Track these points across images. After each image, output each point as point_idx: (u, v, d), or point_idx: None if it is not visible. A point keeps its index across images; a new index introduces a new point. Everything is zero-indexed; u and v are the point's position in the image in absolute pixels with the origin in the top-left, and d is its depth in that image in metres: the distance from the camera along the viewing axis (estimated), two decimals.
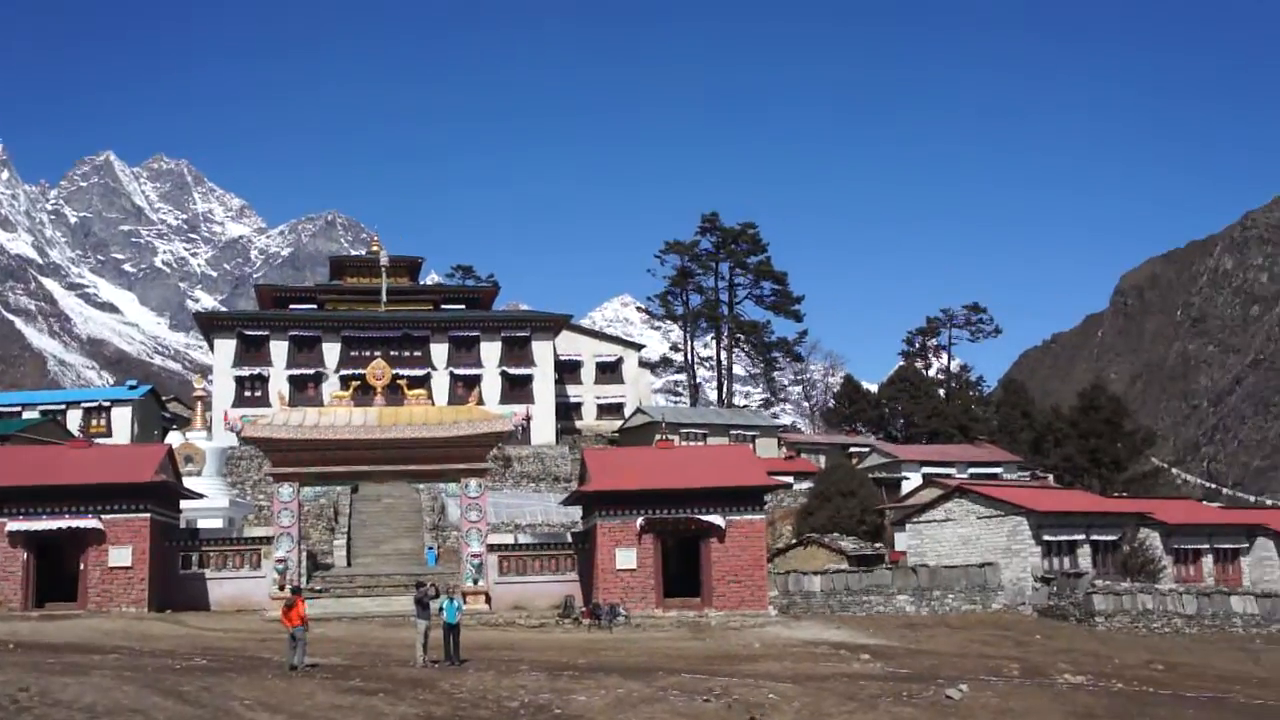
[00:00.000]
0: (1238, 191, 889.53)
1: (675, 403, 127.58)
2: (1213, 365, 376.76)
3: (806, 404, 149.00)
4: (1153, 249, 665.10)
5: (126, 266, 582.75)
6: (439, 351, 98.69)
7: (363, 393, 55.63)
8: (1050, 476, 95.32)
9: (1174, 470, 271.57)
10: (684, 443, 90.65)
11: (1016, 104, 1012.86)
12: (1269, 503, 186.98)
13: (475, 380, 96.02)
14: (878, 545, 69.65)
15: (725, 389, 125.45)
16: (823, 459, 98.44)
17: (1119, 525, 60.64)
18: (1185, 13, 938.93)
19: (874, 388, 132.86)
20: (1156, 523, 61.86)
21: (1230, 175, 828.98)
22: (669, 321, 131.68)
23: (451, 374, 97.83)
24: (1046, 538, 57.72)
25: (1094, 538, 59.31)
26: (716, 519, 49.80)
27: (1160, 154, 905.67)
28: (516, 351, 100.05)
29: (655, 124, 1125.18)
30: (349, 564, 66.59)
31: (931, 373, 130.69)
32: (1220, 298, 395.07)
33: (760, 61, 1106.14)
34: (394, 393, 55.42)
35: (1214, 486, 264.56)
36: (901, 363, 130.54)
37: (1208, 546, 63.81)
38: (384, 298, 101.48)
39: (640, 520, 49.51)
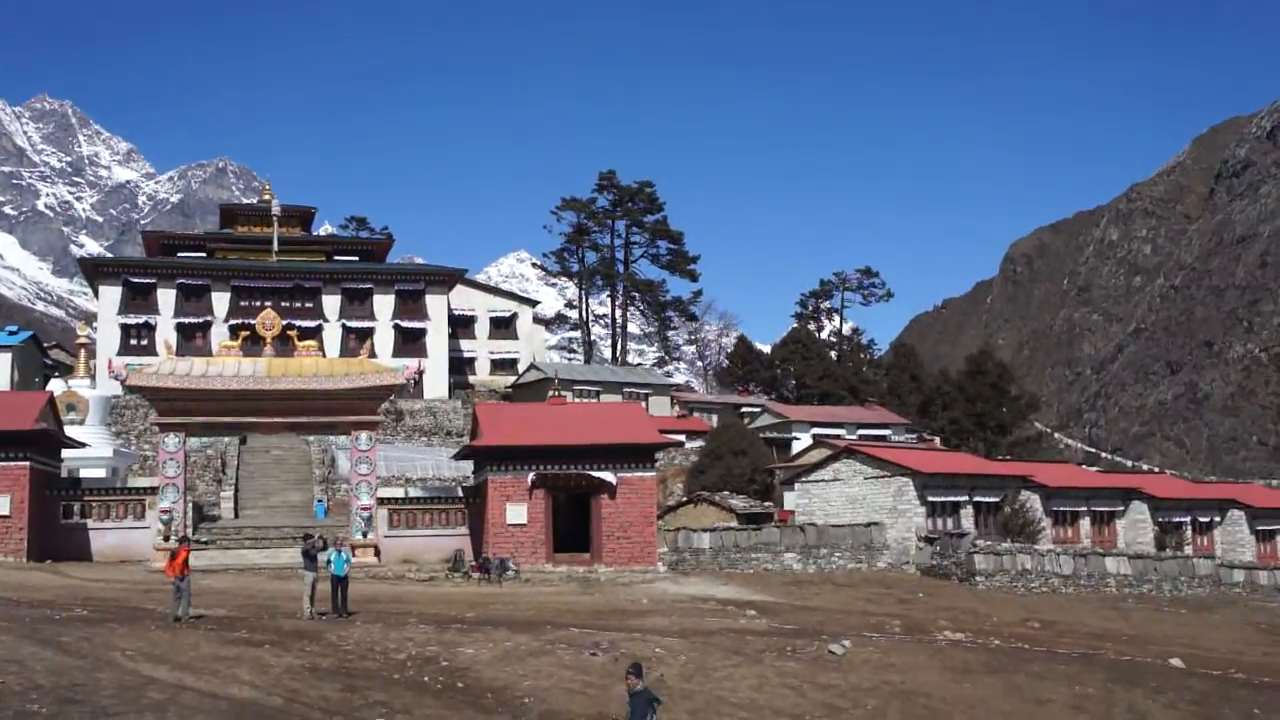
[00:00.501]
0: (1124, 164, 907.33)
1: (569, 359, 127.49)
2: (1096, 333, 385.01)
3: (700, 363, 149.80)
4: (1042, 219, 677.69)
5: (7, 209, 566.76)
6: (331, 303, 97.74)
7: (252, 343, 54.90)
8: (937, 439, 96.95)
9: (1056, 435, 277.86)
10: (577, 399, 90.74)
11: (912, 71, 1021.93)
12: (1145, 468, 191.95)
13: (368, 333, 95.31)
14: (767, 504, 70.36)
15: (620, 347, 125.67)
16: (715, 418, 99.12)
17: (1001, 487, 61.90)
18: None
19: (767, 349, 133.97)
20: (1037, 485, 63.25)
21: (1117, 148, 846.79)
22: (564, 278, 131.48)
23: (344, 326, 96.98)
24: (931, 498, 58.74)
25: (977, 499, 60.49)
26: (608, 475, 49.99)
27: (1050, 125, 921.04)
28: (410, 305, 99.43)
29: (555, 81, 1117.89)
30: (236, 516, 65.85)
31: (824, 335, 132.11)
32: (1105, 268, 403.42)
33: (660, 21, 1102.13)
34: (284, 344, 54.73)
35: (1094, 451, 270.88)
36: (794, 324, 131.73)
37: (1085, 509, 65.41)
38: (275, 248, 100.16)
39: (532, 475, 49.53)
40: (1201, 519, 70.26)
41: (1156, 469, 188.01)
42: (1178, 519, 68.83)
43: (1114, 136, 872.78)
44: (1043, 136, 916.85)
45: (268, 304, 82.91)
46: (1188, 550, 66.37)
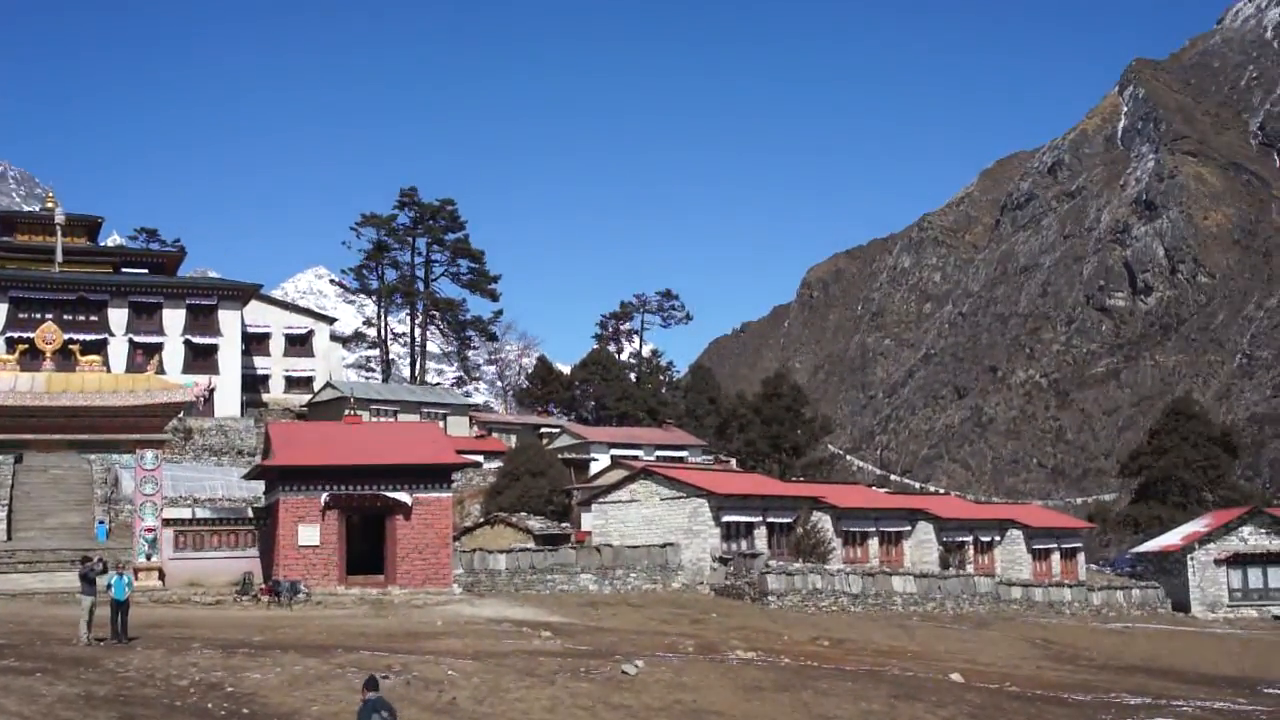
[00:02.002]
0: (916, 194, 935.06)
1: (367, 378, 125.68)
2: (888, 358, 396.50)
3: (500, 384, 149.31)
4: (838, 245, 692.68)
5: None
6: (117, 317, 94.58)
7: (31, 357, 52.73)
8: (733, 460, 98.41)
9: (849, 457, 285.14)
10: (374, 419, 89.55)
11: (716, 94, 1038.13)
12: (933, 489, 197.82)
13: (156, 348, 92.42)
14: (565, 525, 70.49)
15: (418, 366, 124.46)
16: (514, 439, 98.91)
17: (794, 508, 63.16)
18: (860, 15, 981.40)
19: (567, 369, 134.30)
20: (829, 506, 64.71)
21: (910, 178, 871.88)
22: (363, 296, 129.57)
23: (131, 341, 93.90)
24: (726, 519, 59.61)
25: (770, 520, 61.61)
26: (403, 496, 49.46)
27: (846, 154, 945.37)
28: (202, 320, 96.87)
29: (356, 94, 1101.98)
30: (10, 539, 63.06)
31: (624, 356, 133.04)
32: (898, 294, 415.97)
33: (464, 36, 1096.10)
34: (66, 358, 52.71)
35: (885, 473, 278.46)
36: (595, 346, 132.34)
37: (874, 529, 67.15)
38: (59, 258, 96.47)
39: (325, 496, 48.70)
40: (983, 538, 72.82)
41: (943, 490, 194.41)
42: (961, 539, 71.24)
43: (907, 166, 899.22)
44: (839, 165, 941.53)
45: (49, 317, 79.84)
46: (970, 569, 68.70)
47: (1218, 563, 73.08)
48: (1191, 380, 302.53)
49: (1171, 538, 78.54)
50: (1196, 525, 78.71)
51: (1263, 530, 73.71)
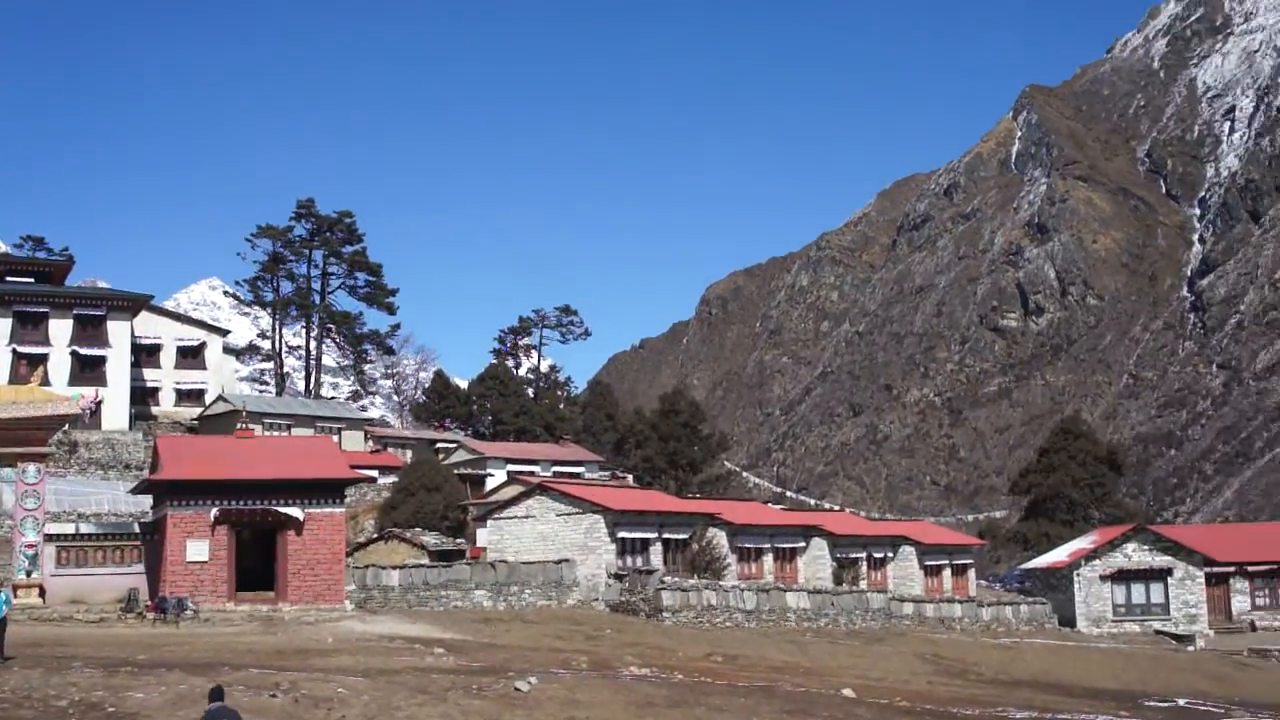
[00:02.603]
0: (816, 213, 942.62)
1: (261, 392, 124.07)
2: (786, 376, 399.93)
3: (397, 398, 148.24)
4: (737, 263, 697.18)
5: None
6: (1, 327, 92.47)
7: None
8: (630, 476, 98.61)
9: (746, 474, 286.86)
10: (267, 433, 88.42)
11: (611, 114, 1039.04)
12: (828, 506, 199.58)
13: (41, 359, 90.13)
14: (460, 541, 70.06)
15: (314, 379, 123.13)
16: (410, 453, 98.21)
17: (690, 525, 63.33)
18: (758, 36, 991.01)
19: (465, 384, 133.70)
20: (724, 523, 64.98)
21: (810, 197, 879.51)
22: (258, 308, 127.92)
23: (14, 351, 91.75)
24: (622, 535, 59.63)
25: (666, 536, 61.72)
26: (295, 511, 48.77)
27: (746, 170, 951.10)
28: (90, 331, 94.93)
29: (252, 103, 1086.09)
30: None
31: (522, 372, 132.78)
32: (795, 312, 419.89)
33: (359, 50, 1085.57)
34: None
35: (780, 490, 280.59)
36: (493, 361, 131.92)
37: (769, 546, 67.55)
38: None
39: (214, 511, 47.86)
40: (876, 555, 73.60)
41: (838, 507, 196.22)
42: (855, 555, 71.93)
43: (806, 186, 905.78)
44: (738, 183, 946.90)
45: None
46: (863, 585, 69.36)
47: (1103, 579, 74.51)
48: (1080, 400, 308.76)
49: (1059, 554, 79.98)
50: (1083, 542, 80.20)
51: (1146, 547, 75.29)
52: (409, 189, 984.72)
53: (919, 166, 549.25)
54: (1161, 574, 74.36)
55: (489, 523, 65.63)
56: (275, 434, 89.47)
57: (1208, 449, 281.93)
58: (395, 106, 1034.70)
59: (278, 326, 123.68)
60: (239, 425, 63.01)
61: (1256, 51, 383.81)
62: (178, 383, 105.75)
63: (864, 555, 72.81)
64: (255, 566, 49.47)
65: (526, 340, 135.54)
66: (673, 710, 29.47)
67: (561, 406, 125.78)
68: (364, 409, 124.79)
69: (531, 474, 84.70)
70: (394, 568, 56.09)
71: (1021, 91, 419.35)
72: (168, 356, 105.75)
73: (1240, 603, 75.95)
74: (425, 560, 61.21)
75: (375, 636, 41.89)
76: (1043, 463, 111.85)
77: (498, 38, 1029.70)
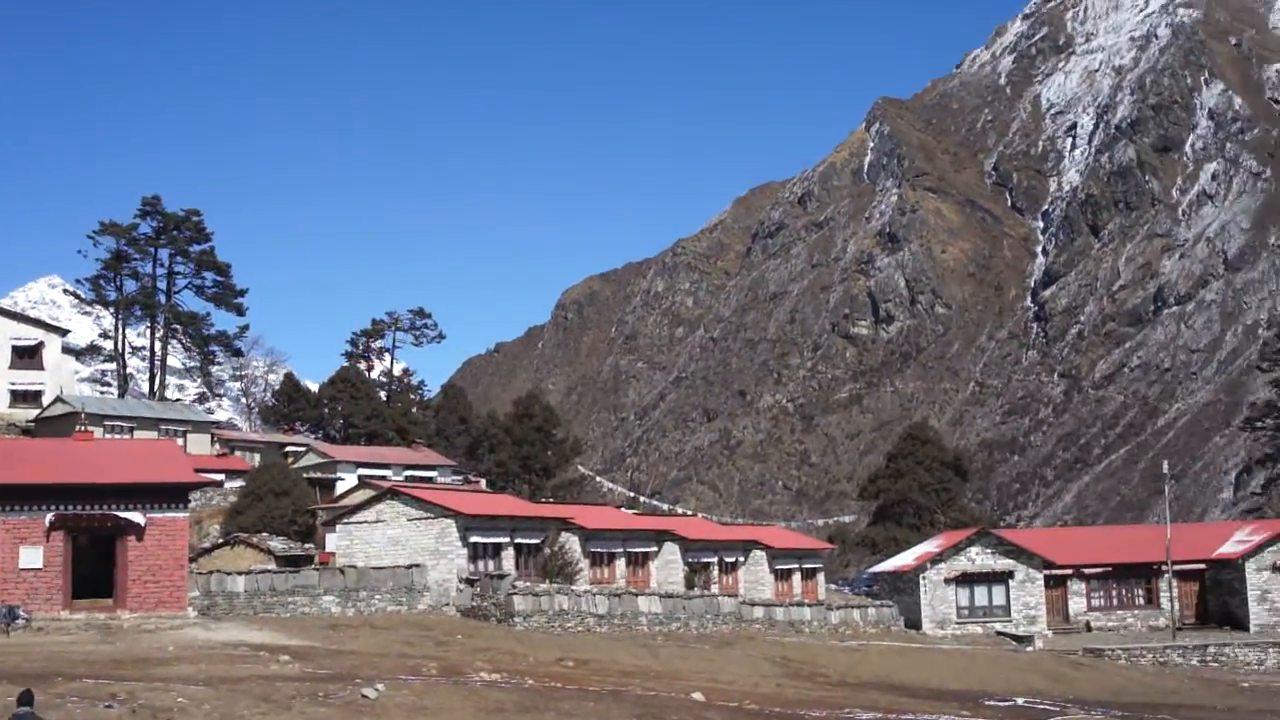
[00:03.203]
0: (672, 219, 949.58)
1: (103, 393, 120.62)
2: (641, 381, 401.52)
3: (245, 400, 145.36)
4: (593, 268, 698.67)
5: None
6: None
7: None
8: (483, 481, 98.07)
9: (600, 478, 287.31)
10: (108, 435, 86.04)
11: (466, 113, 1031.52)
12: (681, 510, 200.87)
13: None
14: (308, 546, 69.05)
15: (158, 381, 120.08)
16: (258, 457, 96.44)
17: (542, 529, 63.17)
18: (619, 37, 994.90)
19: (316, 387, 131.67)
20: (577, 527, 64.94)
21: (666, 202, 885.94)
22: (100, 307, 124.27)
23: None
24: (474, 540, 59.24)
25: (518, 541, 61.47)
26: (136, 516, 47.51)
27: (603, 174, 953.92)
28: None
29: (97, 98, 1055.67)
30: None
31: (374, 375, 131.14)
32: (651, 318, 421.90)
33: (210, 44, 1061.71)
34: None
35: (634, 495, 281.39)
36: (345, 363, 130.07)
37: (622, 550, 67.67)
38: None
39: (50, 516, 46.40)
40: (728, 559, 74.17)
41: (691, 512, 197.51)
42: (706, 559, 72.38)
43: (663, 191, 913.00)
44: (595, 187, 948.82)
45: None
46: (714, 589, 69.82)
47: (947, 581, 76.04)
48: (928, 406, 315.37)
49: (905, 558, 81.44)
50: (929, 546, 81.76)
51: (989, 550, 77.03)
52: (258, 187, 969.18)
53: (774, 175, 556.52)
54: (1003, 577, 76.14)
55: (339, 527, 64.68)
56: (117, 437, 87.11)
57: (1049, 455, 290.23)
58: (244, 105, 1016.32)
59: (121, 326, 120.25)
60: (78, 427, 61.03)
61: (1097, 71, 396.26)
62: (13, 383, 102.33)
63: (715, 560, 73.29)
64: (94, 573, 48.06)
65: (379, 343, 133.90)
66: (523, 715, 29.35)
67: (414, 410, 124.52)
68: (211, 411, 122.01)
69: (383, 478, 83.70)
70: (239, 573, 55.02)
71: (874, 103, 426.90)
72: (2, 356, 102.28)
73: (1077, 604, 78.21)
74: (272, 566, 60.18)
75: (218, 644, 41.01)
76: (891, 468, 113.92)
77: (346, 36, 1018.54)
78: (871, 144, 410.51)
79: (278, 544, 66.25)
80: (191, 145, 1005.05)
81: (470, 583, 57.38)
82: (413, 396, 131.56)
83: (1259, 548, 76.69)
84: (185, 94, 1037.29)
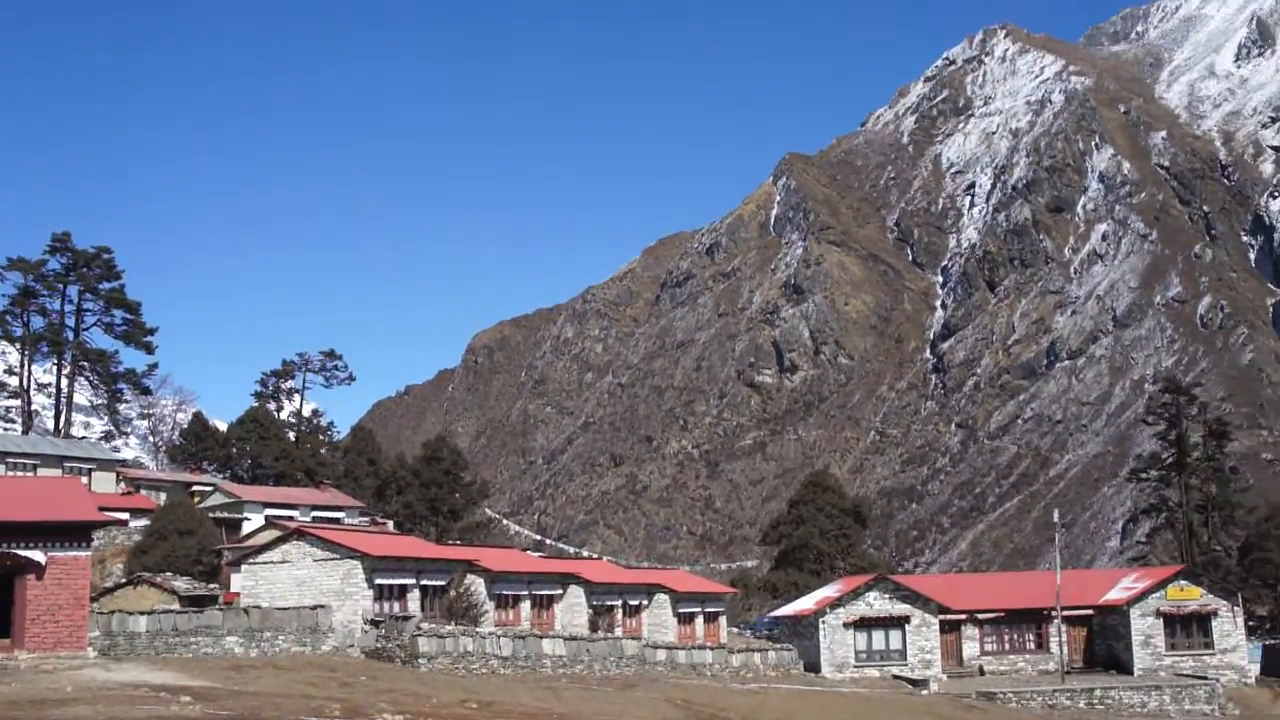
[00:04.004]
0: (583, 267, 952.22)
1: (6, 430, 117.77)
2: (549, 426, 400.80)
3: (153, 439, 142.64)
4: (504, 313, 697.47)
5: None
6: None
7: None
8: (391, 522, 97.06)
9: (507, 521, 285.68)
10: (11, 473, 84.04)
11: (377, 161, 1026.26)
12: (586, 554, 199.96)
13: None
14: (213, 586, 67.72)
15: (64, 418, 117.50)
16: (164, 496, 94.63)
17: (448, 571, 62.57)
18: (509, 89, 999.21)
19: (225, 426, 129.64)
20: (483, 570, 64.37)
21: (578, 250, 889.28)
22: (5, 343, 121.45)
23: None
24: (379, 581, 58.48)
25: (424, 582, 60.81)
26: (36, 555, 46.31)
27: (515, 221, 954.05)
28: None
29: (6, 132, 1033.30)
30: None
31: (284, 415, 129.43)
32: (560, 363, 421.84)
33: (120, 80, 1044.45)
34: None
35: (541, 538, 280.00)
36: (254, 403, 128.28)
37: (527, 593, 67.18)
38: None
39: None
40: (632, 602, 73.91)
41: (596, 555, 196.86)
42: (610, 602, 72.07)
43: (575, 239, 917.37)
44: (509, 233, 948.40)
45: None
46: (618, 631, 69.52)
47: (846, 626, 76.34)
48: (830, 454, 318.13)
49: (805, 602, 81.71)
50: (828, 591, 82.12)
51: (886, 595, 77.54)
52: (170, 225, 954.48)
53: (683, 225, 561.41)
54: (900, 622, 76.62)
55: (244, 567, 63.52)
56: (20, 474, 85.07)
57: (945, 503, 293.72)
58: (155, 142, 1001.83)
59: (26, 363, 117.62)
60: None
61: (994, 133, 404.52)
62: None
63: (620, 603, 73.03)
64: None
65: (289, 384, 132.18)
66: None
67: (323, 451, 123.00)
68: (117, 450, 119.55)
69: (290, 518, 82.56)
70: (142, 613, 53.72)
71: (781, 159, 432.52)
72: None
73: (970, 648, 78.85)
74: (176, 606, 58.87)
75: (118, 685, 39.98)
76: (793, 514, 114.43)
77: (263, 73, 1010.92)
78: (778, 198, 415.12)
79: (182, 584, 64.89)
80: (102, 179, 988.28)
81: (375, 624, 56.57)
82: (322, 437, 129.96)
83: (1143, 594, 77.91)
84: (93, 128, 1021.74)
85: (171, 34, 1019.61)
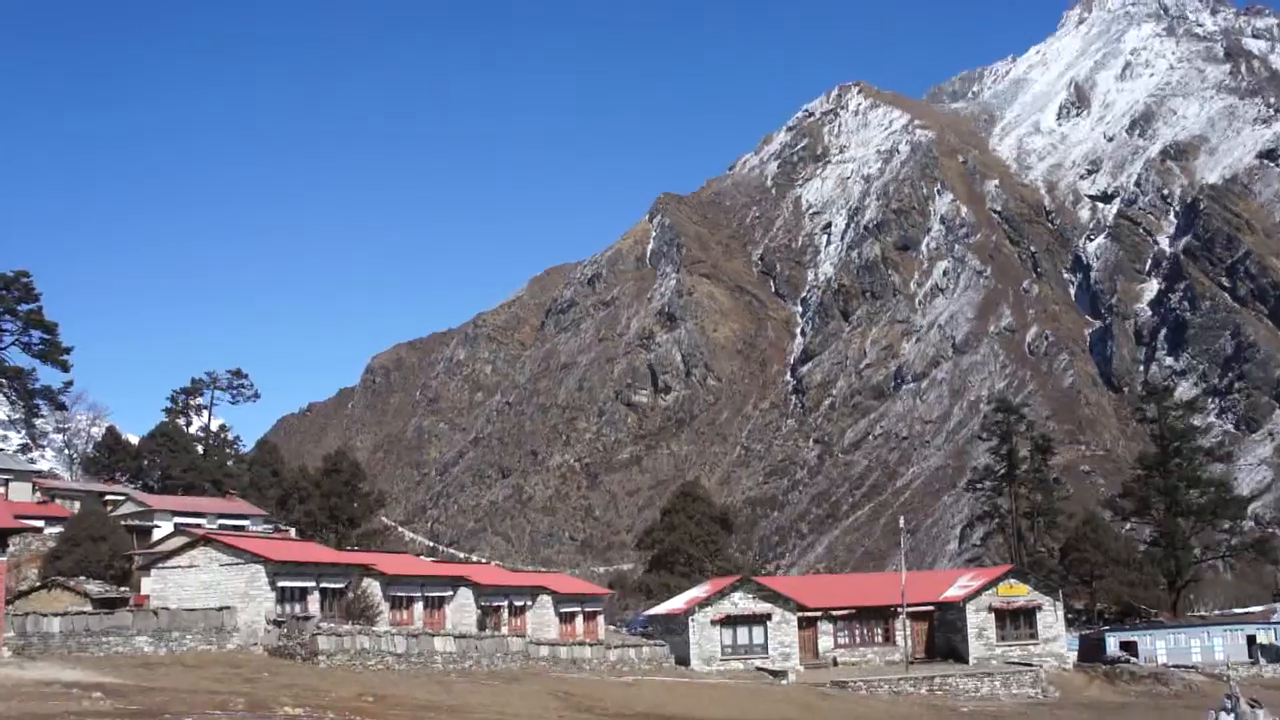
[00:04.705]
0: (474, 294, 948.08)
1: None
2: (442, 440, 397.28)
3: (68, 452, 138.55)
4: (400, 336, 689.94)
5: None
6: None
7: None
8: (293, 530, 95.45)
9: (402, 529, 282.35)
10: None
11: (277, 190, 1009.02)
12: (475, 559, 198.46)
13: None
14: (124, 589, 66.08)
15: None
16: (78, 505, 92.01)
17: (346, 575, 61.81)
18: (433, 122, 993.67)
19: (137, 440, 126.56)
20: (379, 573, 63.70)
21: (469, 277, 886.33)
22: None
23: None
24: (281, 584, 57.57)
25: (324, 585, 60.00)
26: None
27: (411, 251, 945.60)
28: None
29: None
30: None
31: (193, 430, 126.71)
32: (453, 383, 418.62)
33: (29, 99, 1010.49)
34: None
35: (434, 544, 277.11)
36: (165, 418, 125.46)
37: (420, 595, 66.59)
38: None
39: None
40: (517, 603, 73.62)
41: (485, 560, 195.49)
42: (498, 603, 71.73)
43: (467, 268, 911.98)
44: (405, 261, 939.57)
45: None
46: (505, 630, 69.18)
47: (713, 623, 76.78)
48: (700, 467, 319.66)
49: (677, 602, 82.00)
50: (697, 591, 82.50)
51: (750, 595, 78.16)
52: (86, 246, 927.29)
53: (567, 257, 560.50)
54: (762, 619, 77.27)
55: (154, 572, 62.10)
56: None
57: (804, 511, 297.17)
58: (71, 162, 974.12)
59: None
60: None
61: (849, 178, 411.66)
62: None
63: (506, 603, 72.71)
64: None
65: (198, 400, 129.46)
66: None
67: (230, 463, 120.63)
68: (33, 461, 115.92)
69: (198, 526, 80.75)
70: (55, 615, 52.25)
71: (657, 198, 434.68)
72: None
73: (825, 642, 79.82)
74: (88, 608, 57.35)
75: (32, 682, 38.87)
76: (665, 522, 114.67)
77: (171, 96, 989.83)
78: (654, 234, 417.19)
79: (94, 587, 63.23)
80: (17, 198, 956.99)
81: (278, 624, 55.68)
82: (228, 451, 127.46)
83: (977, 592, 79.61)
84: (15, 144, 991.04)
85: (70, 52, 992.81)
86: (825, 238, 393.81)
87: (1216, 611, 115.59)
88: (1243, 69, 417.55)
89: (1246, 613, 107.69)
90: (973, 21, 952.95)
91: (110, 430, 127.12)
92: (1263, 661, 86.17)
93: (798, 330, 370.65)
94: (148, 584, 63.24)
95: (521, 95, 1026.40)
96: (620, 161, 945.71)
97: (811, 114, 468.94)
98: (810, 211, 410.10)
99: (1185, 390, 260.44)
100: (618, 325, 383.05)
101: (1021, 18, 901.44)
